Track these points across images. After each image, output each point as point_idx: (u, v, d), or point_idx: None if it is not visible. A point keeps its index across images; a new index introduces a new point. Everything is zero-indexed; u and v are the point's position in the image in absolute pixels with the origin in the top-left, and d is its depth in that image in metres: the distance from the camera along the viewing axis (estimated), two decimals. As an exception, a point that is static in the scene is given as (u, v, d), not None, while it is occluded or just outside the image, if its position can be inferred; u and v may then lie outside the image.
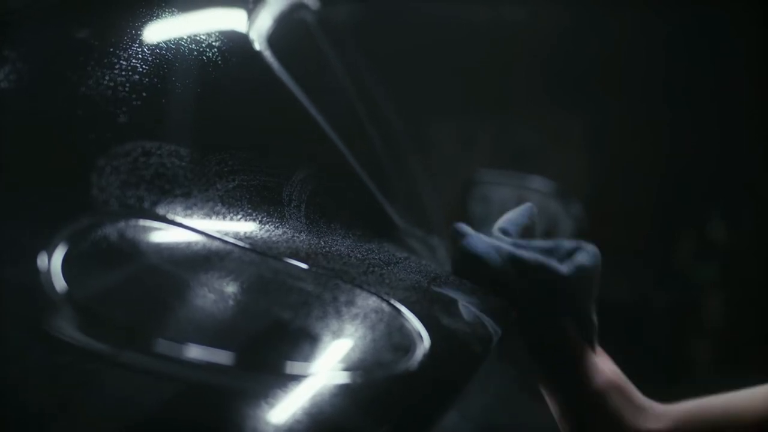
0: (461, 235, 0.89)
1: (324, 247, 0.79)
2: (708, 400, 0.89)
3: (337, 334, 0.64)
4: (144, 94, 0.72)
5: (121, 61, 0.71)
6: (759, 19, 2.80)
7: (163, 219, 0.65)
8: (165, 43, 0.78)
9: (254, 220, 0.74)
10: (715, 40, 2.91)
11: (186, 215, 0.67)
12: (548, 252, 0.89)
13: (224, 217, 0.71)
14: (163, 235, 0.65)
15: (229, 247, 0.67)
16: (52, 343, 0.53)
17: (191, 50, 0.81)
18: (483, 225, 0.97)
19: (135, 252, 0.61)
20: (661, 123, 3.02)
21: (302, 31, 1.17)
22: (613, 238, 2.98)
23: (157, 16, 0.80)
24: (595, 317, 0.91)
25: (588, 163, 3.18)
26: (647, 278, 3.05)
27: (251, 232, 0.72)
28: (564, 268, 0.86)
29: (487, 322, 0.79)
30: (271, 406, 0.55)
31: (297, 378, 0.58)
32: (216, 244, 0.67)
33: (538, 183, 2.21)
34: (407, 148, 1.65)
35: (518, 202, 2.20)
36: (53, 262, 0.56)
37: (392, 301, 0.71)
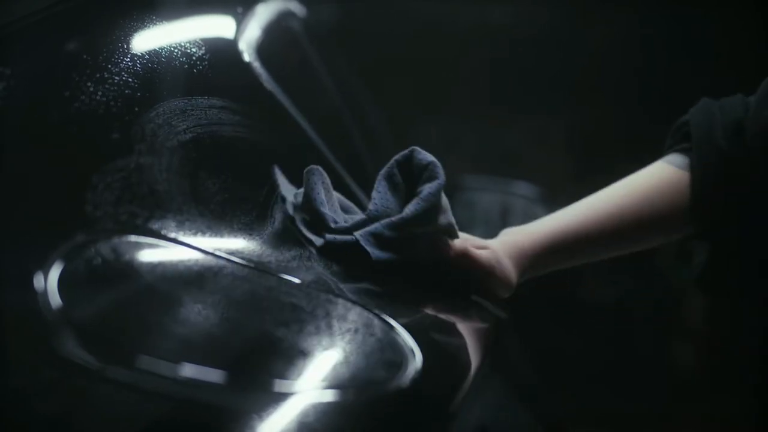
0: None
1: (315, 261, 0.79)
2: (538, 228, 0.96)
3: (329, 351, 0.64)
4: (136, 108, 0.72)
5: (114, 77, 0.71)
6: (743, 22, 2.82)
7: (156, 235, 0.65)
8: (156, 57, 0.78)
9: (246, 234, 0.74)
10: (699, 43, 2.93)
11: (179, 231, 0.67)
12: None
13: (216, 232, 0.71)
14: (156, 251, 0.65)
15: (221, 262, 0.67)
16: (49, 360, 0.53)
17: (182, 63, 0.81)
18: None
19: (129, 269, 0.61)
20: (645, 125, 3.03)
21: (290, 39, 1.18)
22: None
23: (148, 30, 0.80)
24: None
25: (572, 167, 3.19)
26: (630, 279, 3.07)
27: (243, 247, 0.72)
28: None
29: (480, 331, 0.80)
30: (263, 424, 0.55)
31: (289, 396, 0.58)
32: (209, 259, 0.67)
33: (523, 188, 2.22)
34: (391, 153, 1.66)
35: (502, 208, 2.21)
36: (49, 280, 0.56)
37: (384, 317, 0.71)
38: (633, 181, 1.00)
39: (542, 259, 0.95)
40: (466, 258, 0.90)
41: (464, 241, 0.93)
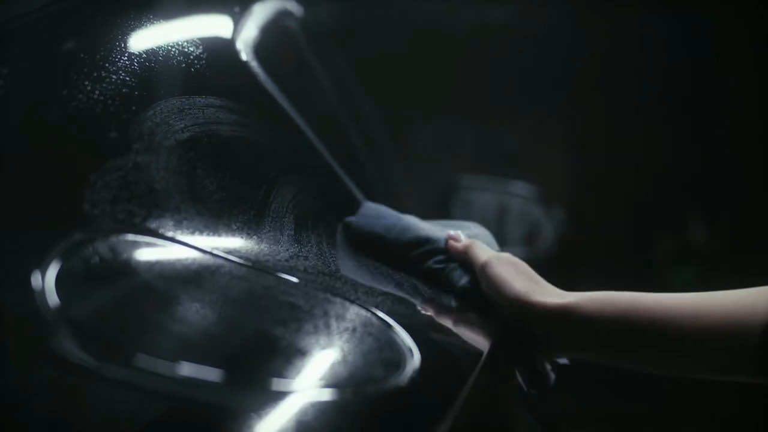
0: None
1: (313, 260, 0.79)
2: (626, 292, 0.86)
3: (327, 350, 0.64)
4: (133, 107, 0.71)
5: (111, 75, 0.71)
6: (743, 22, 2.82)
7: (154, 233, 0.65)
8: (153, 55, 0.78)
9: (244, 233, 0.74)
10: (696, 44, 2.93)
11: (176, 229, 0.67)
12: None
13: (214, 231, 0.71)
14: (154, 249, 0.65)
15: (219, 261, 0.67)
16: (48, 359, 0.53)
17: (179, 62, 0.81)
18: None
19: (126, 267, 0.61)
20: (642, 127, 3.03)
21: (287, 39, 1.18)
22: (594, 242, 3.00)
23: (146, 29, 0.80)
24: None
25: (569, 167, 3.19)
26: (627, 282, 3.07)
27: (241, 246, 0.72)
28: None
29: (477, 333, 0.80)
30: (261, 423, 0.55)
31: (287, 394, 0.58)
32: (206, 258, 0.67)
33: (520, 188, 2.23)
34: (389, 153, 1.66)
35: (500, 207, 2.22)
36: (47, 279, 0.56)
37: (382, 316, 0.71)
38: (740, 291, 0.83)
39: (586, 310, 0.83)
40: (468, 250, 0.93)
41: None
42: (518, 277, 0.87)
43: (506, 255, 0.91)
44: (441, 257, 0.96)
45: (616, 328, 0.82)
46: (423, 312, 0.81)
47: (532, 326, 0.85)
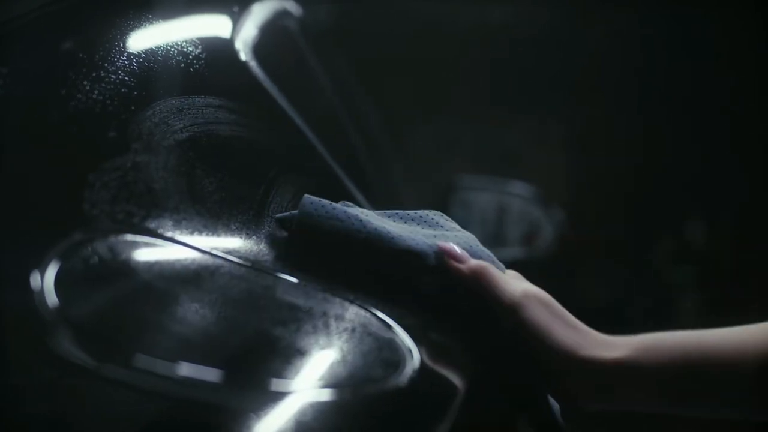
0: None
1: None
2: (677, 333, 0.77)
3: (326, 350, 0.64)
4: (132, 107, 0.71)
5: (110, 75, 0.71)
6: (743, 22, 2.82)
7: (153, 233, 0.65)
8: (152, 55, 0.78)
9: (243, 233, 0.74)
10: (695, 44, 2.93)
11: (175, 229, 0.67)
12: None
13: (213, 231, 0.71)
14: (153, 249, 0.65)
15: (218, 261, 0.67)
16: (47, 359, 0.53)
17: (178, 62, 0.81)
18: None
19: (126, 267, 0.61)
20: (641, 127, 3.03)
21: (287, 39, 1.18)
22: (594, 242, 3.00)
23: (145, 29, 0.80)
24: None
25: (569, 167, 3.19)
26: (626, 282, 3.07)
27: (241, 246, 0.72)
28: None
29: (478, 335, 0.79)
30: (260, 423, 0.55)
31: (286, 394, 0.58)
32: (206, 258, 0.67)
33: (519, 188, 2.23)
34: (389, 153, 1.66)
35: (499, 207, 2.22)
36: (46, 279, 0.56)
37: (382, 316, 0.71)
38: None
39: (648, 363, 0.75)
40: (482, 279, 0.77)
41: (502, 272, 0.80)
42: (557, 324, 0.76)
43: (534, 291, 0.77)
44: (431, 278, 0.78)
45: (680, 377, 0.75)
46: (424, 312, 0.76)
47: (583, 382, 0.78)
